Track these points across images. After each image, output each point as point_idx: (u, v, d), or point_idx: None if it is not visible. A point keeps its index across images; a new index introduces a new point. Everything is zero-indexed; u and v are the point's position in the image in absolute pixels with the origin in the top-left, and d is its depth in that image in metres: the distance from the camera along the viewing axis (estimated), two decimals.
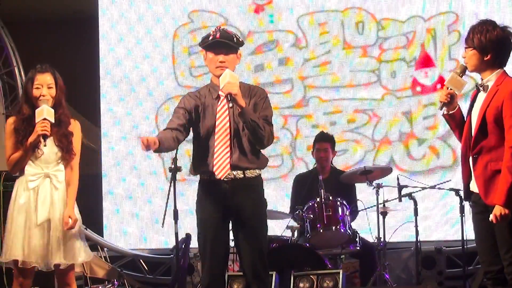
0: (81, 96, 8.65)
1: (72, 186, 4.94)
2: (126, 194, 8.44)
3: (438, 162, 8.06)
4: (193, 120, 4.74)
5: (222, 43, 4.69)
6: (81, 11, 8.51)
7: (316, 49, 8.29)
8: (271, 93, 7.90)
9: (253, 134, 4.60)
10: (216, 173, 4.62)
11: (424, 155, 8.09)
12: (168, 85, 8.47)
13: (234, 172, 4.64)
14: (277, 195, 8.07)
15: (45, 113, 4.80)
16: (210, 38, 4.69)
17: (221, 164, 4.63)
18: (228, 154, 4.63)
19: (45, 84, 4.90)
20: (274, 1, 8.35)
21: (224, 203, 4.66)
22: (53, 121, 4.81)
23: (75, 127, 5.01)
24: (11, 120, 4.95)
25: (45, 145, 4.81)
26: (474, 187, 4.35)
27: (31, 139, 4.81)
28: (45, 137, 4.79)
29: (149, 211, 8.36)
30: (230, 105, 4.57)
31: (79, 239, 4.95)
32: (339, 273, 6.37)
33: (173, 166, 5.35)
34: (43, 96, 4.87)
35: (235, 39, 4.72)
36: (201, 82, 8.15)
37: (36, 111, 4.83)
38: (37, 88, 4.89)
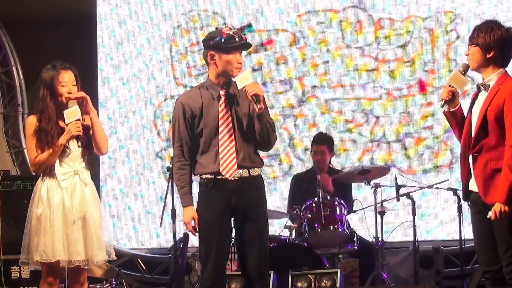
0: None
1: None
2: (124, 202, 8.44)
3: (436, 162, 8.04)
4: (194, 124, 4.77)
5: (248, 45, 4.77)
6: (79, 11, 8.51)
7: (314, 49, 8.27)
8: (268, 92, 7.91)
9: (266, 135, 4.69)
10: (223, 173, 4.66)
11: (422, 155, 8.07)
12: (166, 86, 8.46)
13: (241, 171, 4.69)
14: (276, 194, 8.03)
15: (78, 114, 4.81)
16: (237, 39, 4.70)
17: (228, 164, 4.66)
18: (234, 154, 4.67)
19: (70, 82, 4.90)
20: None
21: (230, 203, 4.68)
22: (82, 121, 4.84)
23: (86, 114, 4.98)
24: (33, 119, 4.92)
25: (79, 146, 4.85)
26: (473, 186, 4.36)
27: (63, 140, 4.81)
28: (78, 137, 4.82)
29: (148, 212, 8.37)
30: (260, 106, 4.60)
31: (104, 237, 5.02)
32: (337, 272, 6.37)
33: (171, 165, 5.35)
34: (70, 93, 4.87)
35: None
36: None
37: (66, 111, 4.82)
38: (64, 85, 4.88)
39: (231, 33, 4.71)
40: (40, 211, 4.86)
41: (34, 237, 4.85)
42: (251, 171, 4.71)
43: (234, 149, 4.67)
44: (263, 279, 4.70)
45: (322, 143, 7.25)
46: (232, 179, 4.67)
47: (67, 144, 4.84)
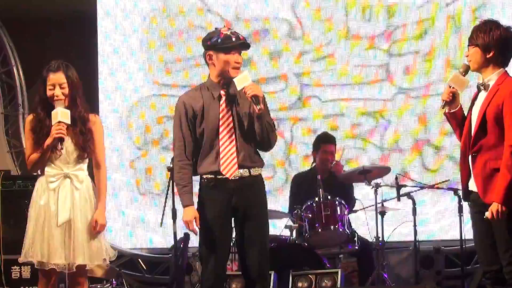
0: (80, 98, 8.64)
1: (102, 187, 4.95)
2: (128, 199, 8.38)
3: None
4: (195, 124, 4.78)
5: (246, 45, 4.77)
6: (80, 11, 8.51)
7: (315, 40, 7.79)
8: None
9: (266, 136, 4.69)
10: (224, 173, 4.67)
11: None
12: (167, 87, 8.37)
13: (241, 171, 4.70)
14: (274, 194, 7.89)
15: (59, 116, 4.76)
16: (234, 39, 4.70)
17: (229, 164, 4.68)
18: (235, 154, 4.68)
19: (57, 84, 4.85)
20: None
21: (230, 202, 4.70)
22: (69, 122, 4.79)
23: (95, 122, 4.98)
24: (29, 118, 4.94)
25: (61, 148, 4.80)
26: (473, 186, 4.39)
27: (48, 141, 4.79)
28: (61, 140, 4.77)
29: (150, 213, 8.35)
30: (260, 107, 4.60)
31: (103, 238, 4.96)
32: (337, 272, 6.38)
33: (171, 165, 5.35)
34: (56, 96, 4.83)
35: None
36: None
37: (52, 113, 4.80)
38: (50, 89, 4.85)
39: (228, 33, 4.73)
40: (31, 212, 4.88)
41: (25, 238, 4.87)
42: (251, 170, 4.72)
43: (234, 148, 4.69)
44: (263, 279, 4.72)
45: (332, 142, 7.22)
46: (233, 178, 4.68)
47: (59, 146, 4.81)
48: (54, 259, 4.79)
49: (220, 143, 4.69)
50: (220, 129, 4.70)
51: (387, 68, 7.66)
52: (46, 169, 4.88)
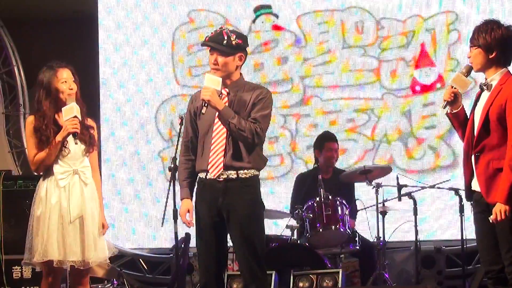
0: (80, 97, 8.63)
1: (99, 189, 5.00)
2: (125, 200, 8.43)
3: (438, 162, 8.06)
4: (196, 121, 4.79)
5: (206, 45, 4.72)
6: (80, 11, 8.51)
7: (316, 49, 8.30)
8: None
9: (235, 134, 4.60)
10: (209, 172, 4.63)
11: (423, 155, 8.10)
12: (168, 87, 8.46)
13: (228, 172, 4.63)
14: (275, 193, 8.02)
15: (75, 111, 4.79)
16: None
17: (215, 163, 4.63)
18: (222, 153, 4.63)
19: (69, 79, 4.88)
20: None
21: (217, 203, 4.65)
22: (80, 118, 4.82)
23: (93, 127, 5.04)
24: (30, 119, 4.92)
25: (76, 143, 4.81)
26: (475, 185, 4.36)
27: (60, 137, 4.80)
28: (75, 135, 4.79)
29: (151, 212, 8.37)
30: (203, 111, 4.58)
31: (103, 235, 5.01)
32: (338, 272, 6.37)
33: (172, 165, 5.35)
34: (71, 89, 4.85)
35: (225, 41, 4.63)
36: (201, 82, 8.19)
37: (64, 109, 4.81)
38: (64, 82, 4.86)
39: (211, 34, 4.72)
40: (39, 212, 4.85)
41: (34, 238, 4.84)
42: (239, 172, 4.64)
43: (223, 148, 4.63)
44: (257, 281, 4.64)
45: (334, 140, 7.29)
46: (219, 179, 4.63)
47: (65, 143, 4.82)
48: (71, 257, 4.80)
49: (212, 141, 4.65)
50: (214, 127, 4.66)
51: (377, 72, 8.27)
52: (55, 167, 4.86)
